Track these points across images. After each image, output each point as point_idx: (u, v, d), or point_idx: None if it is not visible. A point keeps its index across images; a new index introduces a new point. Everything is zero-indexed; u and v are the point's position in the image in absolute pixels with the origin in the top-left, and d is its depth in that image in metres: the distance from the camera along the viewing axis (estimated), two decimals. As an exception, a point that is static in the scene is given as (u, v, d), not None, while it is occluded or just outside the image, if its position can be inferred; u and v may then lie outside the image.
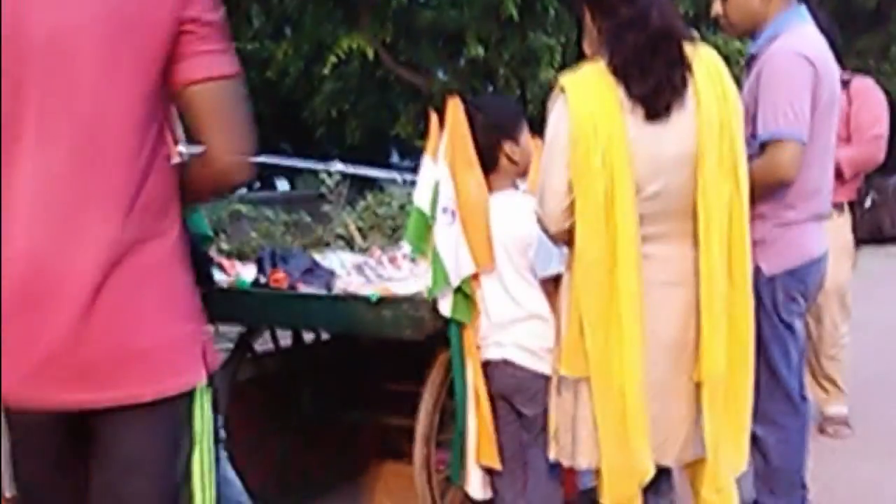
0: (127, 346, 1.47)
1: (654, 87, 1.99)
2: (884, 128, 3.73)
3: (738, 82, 2.35)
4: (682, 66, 2.01)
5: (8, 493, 1.75)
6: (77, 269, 1.42)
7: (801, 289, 2.52)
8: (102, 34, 1.43)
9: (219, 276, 3.00)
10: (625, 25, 2.02)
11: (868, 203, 3.84)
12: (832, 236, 3.62)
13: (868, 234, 3.82)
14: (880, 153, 3.73)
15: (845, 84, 3.71)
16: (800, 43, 2.43)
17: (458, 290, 2.55)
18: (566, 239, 2.11)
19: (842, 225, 3.70)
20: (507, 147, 2.60)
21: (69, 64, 1.42)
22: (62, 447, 1.56)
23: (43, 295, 1.42)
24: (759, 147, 2.39)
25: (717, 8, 2.63)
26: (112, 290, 1.44)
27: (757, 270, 2.41)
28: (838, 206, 3.67)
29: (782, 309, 2.48)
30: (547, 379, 2.50)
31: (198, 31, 1.50)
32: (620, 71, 2.01)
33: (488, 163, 2.61)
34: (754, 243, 2.37)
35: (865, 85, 3.77)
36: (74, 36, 1.42)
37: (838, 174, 3.58)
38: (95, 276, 1.43)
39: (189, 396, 1.56)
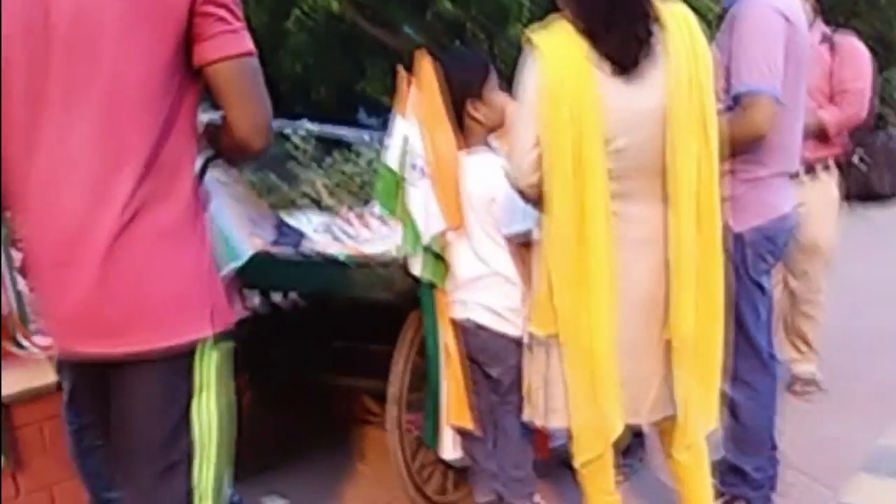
0: (139, 300, 1.59)
1: (620, 42, 1.97)
2: (867, 83, 3.71)
3: (710, 38, 2.32)
4: (646, 19, 1.98)
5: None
6: (99, 226, 1.55)
7: (770, 246, 2.52)
8: (121, 14, 1.53)
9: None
10: None
11: (856, 159, 3.83)
12: (818, 193, 3.65)
13: (856, 192, 3.82)
14: (863, 110, 3.71)
15: (828, 39, 3.69)
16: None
17: (428, 249, 2.52)
18: (535, 194, 2.08)
19: (827, 182, 3.70)
20: (470, 105, 2.55)
21: (91, 41, 1.53)
22: (106, 388, 1.67)
23: (71, 251, 1.56)
24: (732, 101, 2.37)
25: None
26: (128, 247, 1.56)
27: (725, 227, 2.41)
28: (823, 163, 3.67)
29: (751, 266, 2.48)
30: (511, 340, 2.50)
31: (213, 13, 1.60)
32: (585, 28, 1.98)
33: (457, 120, 2.56)
34: (723, 200, 2.35)
35: (848, 41, 3.75)
36: (96, 15, 1.53)
37: (822, 133, 3.59)
38: (115, 232, 1.55)
39: (191, 352, 1.64)
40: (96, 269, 1.56)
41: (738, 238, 2.45)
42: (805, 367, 3.95)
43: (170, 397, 1.66)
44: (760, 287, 2.52)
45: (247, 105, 1.65)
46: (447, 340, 2.57)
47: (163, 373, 1.64)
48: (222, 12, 1.61)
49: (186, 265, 1.64)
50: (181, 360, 1.64)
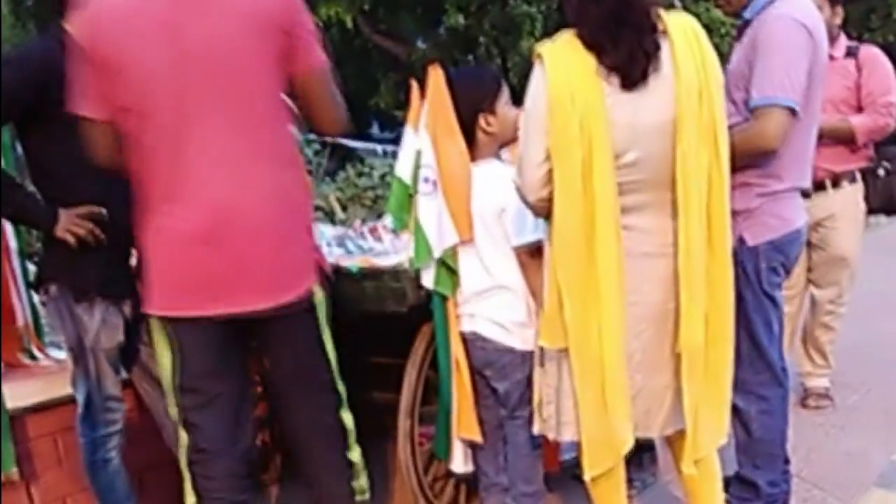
0: (280, 261, 2.05)
1: (627, 55, 1.96)
2: (894, 95, 3.70)
3: (719, 51, 2.32)
4: (652, 32, 1.99)
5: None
6: (247, 207, 1.98)
7: (783, 260, 2.51)
8: (245, 38, 1.96)
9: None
10: None
11: (881, 172, 3.83)
12: (845, 205, 3.65)
13: (880, 204, 3.83)
14: (892, 121, 3.71)
15: (853, 52, 3.70)
16: (796, 9, 2.41)
17: (441, 261, 2.53)
18: (545, 209, 2.09)
19: (853, 193, 3.70)
20: (482, 118, 2.57)
21: (225, 63, 1.94)
22: (220, 351, 2.08)
23: (224, 228, 1.96)
24: (750, 113, 2.37)
25: None
26: (269, 221, 2.01)
27: (740, 240, 2.41)
28: (849, 175, 3.67)
29: (764, 279, 2.48)
30: (518, 354, 2.51)
31: (302, 34, 2.04)
32: (590, 42, 1.99)
33: (467, 134, 2.58)
34: (738, 213, 2.36)
35: (873, 53, 3.76)
36: (226, 42, 1.94)
37: (850, 141, 3.59)
38: (260, 210, 1.99)
39: (312, 299, 2.13)
40: (261, 236, 1.99)
41: (753, 251, 2.45)
42: (819, 381, 3.93)
43: (310, 337, 2.14)
44: (773, 300, 2.52)
45: (331, 106, 2.13)
46: (457, 353, 2.57)
47: (302, 319, 2.11)
48: (306, 33, 2.05)
49: (305, 232, 2.13)
50: (308, 307, 2.11)
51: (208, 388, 2.11)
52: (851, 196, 3.69)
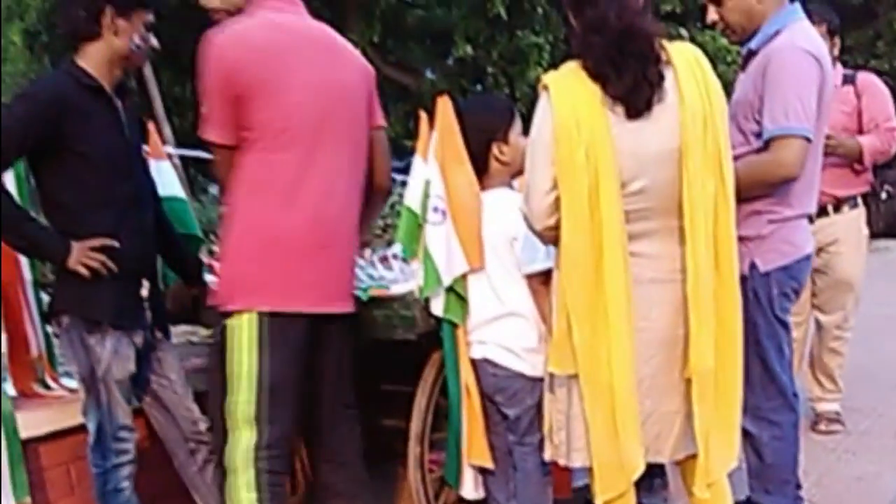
0: (352, 274, 2.52)
1: (632, 85, 1.99)
2: (894, 121, 3.76)
3: (724, 79, 2.34)
4: (656, 62, 2.01)
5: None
6: (345, 223, 2.42)
7: (794, 285, 2.53)
8: (357, 86, 2.46)
9: (209, 278, 3.00)
10: (589, 28, 2.04)
11: (883, 196, 3.86)
12: (848, 230, 3.67)
13: (884, 227, 3.86)
14: (893, 146, 3.76)
15: (851, 79, 3.74)
16: (803, 39, 2.44)
17: (451, 289, 2.55)
18: (552, 237, 2.11)
19: (856, 218, 3.72)
20: (496, 147, 2.60)
21: (348, 107, 2.41)
22: (303, 351, 2.35)
23: (327, 240, 2.35)
24: (764, 143, 2.39)
25: (711, 14, 2.62)
26: (354, 236, 2.46)
27: (752, 267, 2.42)
28: (851, 200, 3.69)
29: (777, 305, 2.49)
30: (528, 380, 2.51)
31: (375, 97, 2.56)
32: (595, 72, 2.01)
33: (479, 163, 2.61)
34: (749, 240, 2.37)
35: (871, 79, 3.82)
36: (348, 84, 2.43)
37: (856, 160, 3.62)
38: (351, 226, 2.44)
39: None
40: (346, 250, 2.43)
41: (765, 277, 2.46)
42: (829, 406, 3.92)
43: (351, 349, 2.52)
44: (784, 325, 2.53)
45: (387, 160, 2.60)
46: (467, 379, 2.58)
47: (352, 329, 2.49)
48: (376, 97, 2.55)
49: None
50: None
51: (292, 385, 2.32)
52: (854, 221, 3.71)
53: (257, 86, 2.24)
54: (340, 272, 2.42)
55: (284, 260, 2.30)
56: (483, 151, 2.61)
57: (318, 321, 2.36)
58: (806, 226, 2.57)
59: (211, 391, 2.53)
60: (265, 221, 2.29)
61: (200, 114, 2.33)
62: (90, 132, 2.37)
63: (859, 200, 3.73)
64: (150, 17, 2.50)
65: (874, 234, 3.85)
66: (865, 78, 3.80)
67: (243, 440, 2.28)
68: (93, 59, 2.43)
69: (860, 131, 3.69)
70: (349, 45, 2.53)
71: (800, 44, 2.41)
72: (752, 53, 2.53)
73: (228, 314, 2.32)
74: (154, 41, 2.53)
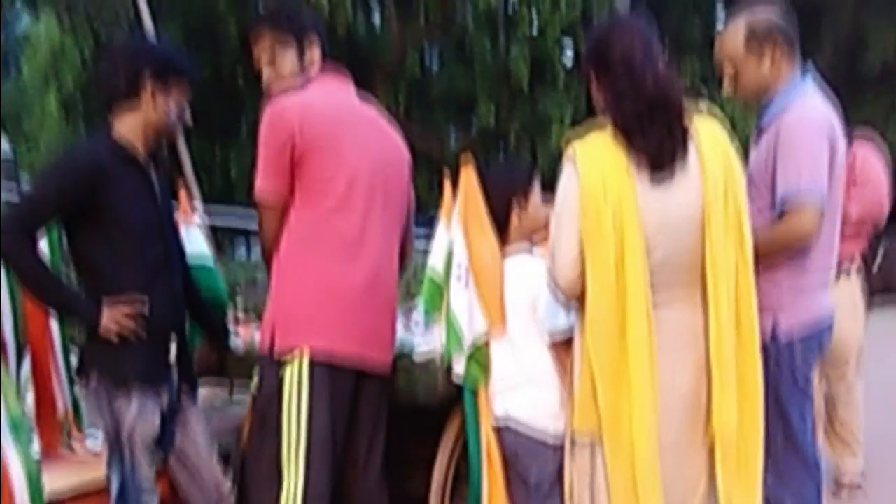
0: (395, 332, 2.64)
1: (657, 149, 2.04)
2: (886, 186, 3.82)
3: (744, 146, 2.39)
4: (681, 130, 2.06)
5: None
6: (392, 284, 2.59)
7: (816, 351, 2.52)
8: (398, 163, 2.65)
9: (235, 341, 3.03)
10: (622, 93, 2.09)
11: (879, 260, 3.88)
12: (845, 293, 3.66)
13: (881, 292, 3.88)
14: (883, 207, 3.82)
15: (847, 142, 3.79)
16: (814, 111, 2.49)
17: (472, 355, 2.57)
18: (576, 300, 2.13)
19: (854, 281, 3.72)
20: (516, 210, 2.66)
21: (389, 173, 2.58)
22: (349, 404, 2.45)
23: (378, 297, 2.50)
24: (780, 207, 2.43)
25: (727, 82, 2.67)
26: (395, 294, 2.62)
27: (773, 333, 2.42)
28: (847, 263, 3.70)
29: (799, 371, 2.48)
30: (549, 445, 2.51)
31: (410, 178, 2.73)
32: (622, 135, 2.06)
33: (500, 226, 2.66)
34: (772, 308, 2.38)
35: (865, 146, 3.87)
36: (389, 161, 2.60)
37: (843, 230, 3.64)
38: (395, 288, 2.61)
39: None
40: (392, 309, 2.58)
41: (787, 344, 2.46)
42: (850, 470, 3.87)
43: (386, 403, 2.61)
44: (807, 391, 2.51)
45: (413, 236, 2.77)
46: (488, 443, 2.58)
47: (388, 391, 2.61)
48: (410, 178, 2.72)
49: None
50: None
51: (335, 436, 2.40)
52: (851, 283, 3.72)
53: (319, 147, 2.39)
54: (385, 330, 2.55)
55: (338, 309, 2.42)
56: (504, 215, 2.66)
57: (359, 377, 2.45)
58: (826, 288, 2.58)
59: (253, 441, 2.54)
60: (322, 272, 2.42)
61: (254, 173, 2.45)
62: (124, 199, 2.43)
63: (852, 269, 3.75)
64: (187, 90, 2.59)
65: (871, 296, 3.86)
66: (859, 143, 3.86)
67: (291, 492, 2.35)
68: (129, 127, 2.50)
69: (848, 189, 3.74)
70: (392, 127, 2.70)
71: (810, 115, 2.46)
72: (763, 126, 2.58)
73: (280, 359, 2.38)
74: (188, 114, 2.61)
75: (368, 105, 2.64)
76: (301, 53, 2.57)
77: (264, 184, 2.43)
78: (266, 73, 2.59)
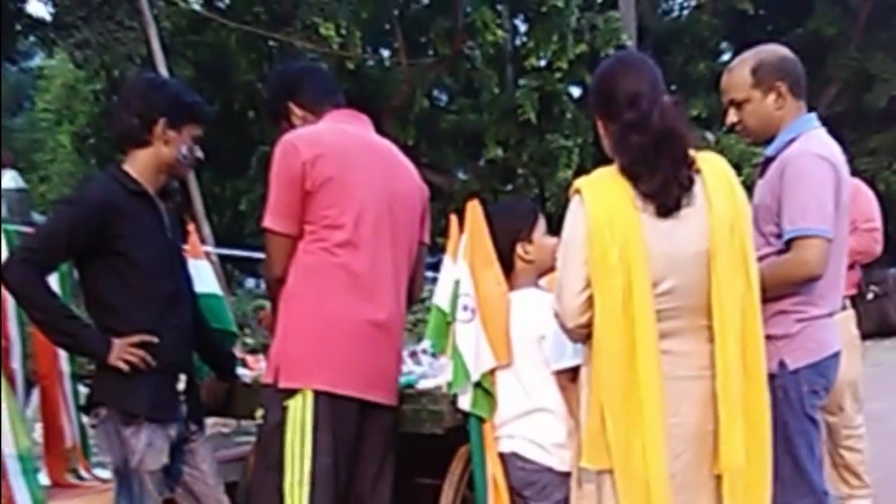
0: (400, 366, 2.70)
1: (662, 184, 2.06)
2: (878, 221, 3.84)
3: (749, 181, 2.41)
4: (686, 165, 2.09)
5: None
6: (398, 319, 2.59)
7: (823, 382, 2.53)
8: (410, 198, 2.66)
9: (242, 372, 3.05)
10: (628, 128, 2.11)
11: (870, 296, 3.87)
12: (839, 331, 3.66)
13: (874, 327, 3.84)
14: (877, 245, 3.84)
15: None
16: (819, 146, 2.51)
17: (478, 384, 2.58)
18: (583, 335, 2.15)
19: (847, 319, 3.72)
20: (520, 247, 2.69)
21: (400, 210, 2.59)
22: (353, 436, 2.45)
23: (384, 332, 2.51)
24: (785, 244, 2.45)
25: (731, 117, 2.70)
26: (402, 333, 2.66)
27: (781, 365, 2.43)
28: (843, 299, 3.70)
29: (807, 403, 2.48)
30: (557, 474, 2.51)
31: (427, 213, 2.75)
32: (629, 170, 2.09)
33: (505, 262, 2.69)
34: (777, 339, 2.39)
35: (856, 183, 3.89)
36: (400, 196, 2.60)
37: None
38: (402, 324, 2.64)
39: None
40: (396, 345, 2.60)
41: (795, 376, 2.46)
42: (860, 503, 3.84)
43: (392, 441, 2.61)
44: (815, 423, 2.51)
45: (422, 275, 2.79)
46: (495, 473, 2.59)
47: (393, 423, 2.61)
48: (427, 213, 2.75)
49: None
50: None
51: (338, 468, 2.41)
52: (845, 321, 3.70)
53: (327, 181, 2.42)
54: (390, 364, 2.56)
55: (343, 345, 2.43)
56: (509, 251, 2.69)
57: (364, 409, 2.46)
58: (832, 324, 2.58)
59: (257, 472, 2.56)
60: (327, 309, 2.44)
61: (264, 206, 2.50)
62: (135, 235, 2.46)
63: (847, 303, 3.75)
64: (199, 132, 2.62)
65: (864, 335, 3.81)
66: (853, 182, 3.89)
67: None
68: (140, 164, 2.54)
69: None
70: (409, 163, 2.73)
71: (815, 150, 2.49)
72: (769, 160, 2.60)
73: (284, 392, 2.40)
74: (199, 153, 2.64)
75: (384, 141, 2.68)
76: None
77: (274, 216, 2.46)
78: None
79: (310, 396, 2.38)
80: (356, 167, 2.49)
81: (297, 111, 2.65)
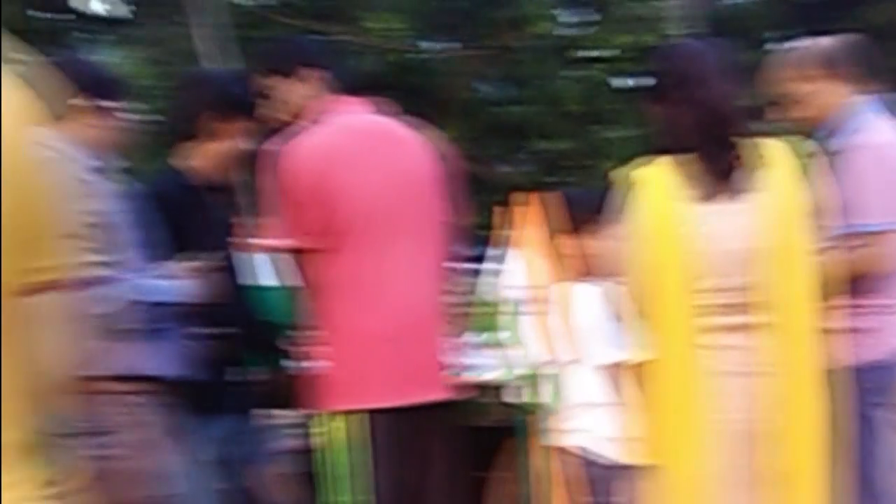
0: (441, 363, 2.46)
1: (720, 173, 2.06)
2: None
3: (808, 173, 2.38)
4: (740, 149, 2.07)
5: None
6: (430, 313, 2.44)
7: (887, 379, 2.47)
8: (422, 175, 2.47)
9: (289, 364, 3.07)
10: (681, 108, 2.11)
11: None
12: None
13: None
14: None
15: None
16: (877, 136, 2.47)
17: (530, 377, 2.58)
18: (638, 329, 2.14)
19: None
20: (580, 240, 2.67)
21: (417, 191, 2.44)
22: (416, 445, 2.35)
23: (412, 328, 2.37)
24: (852, 237, 2.41)
25: (785, 103, 2.65)
26: (439, 325, 2.47)
27: (843, 362, 2.39)
28: None
29: (868, 400, 2.44)
30: (609, 468, 2.51)
31: (447, 183, 2.53)
32: (680, 153, 2.08)
33: (568, 254, 2.68)
34: (839, 334, 2.35)
35: None
36: (410, 177, 2.44)
37: None
38: (437, 316, 2.46)
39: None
40: (433, 339, 2.43)
41: (858, 372, 2.42)
42: None
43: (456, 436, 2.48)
44: (873, 417, 2.47)
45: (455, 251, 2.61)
46: (555, 468, 2.59)
47: (457, 415, 2.48)
48: (449, 183, 2.53)
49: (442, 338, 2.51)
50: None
51: (404, 484, 2.34)
52: None
53: (340, 192, 2.34)
54: (431, 361, 2.44)
55: (377, 358, 2.34)
56: (574, 242, 2.67)
57: (420, 413, 2.36)
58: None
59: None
60: (353, 323, 2.36)
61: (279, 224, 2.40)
62: (192, 229, 2.48)
63: None
64: (249, 124, 2.61)
65: None
66: None
67: None
68: (196, 158, 2.56)
69: None
70: (416, 136, 2.53)
71: (877, 141, 2.44)
72: (831, 152, 2.56)
73: (328, 415, 2.36)
74: (251, 145, 2.62)
75: (387, 121, 2.53)
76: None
77: (292, 233, 2.39)
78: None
79: (366, 417, 2.31)
80: (362, 167, 2.38)
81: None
